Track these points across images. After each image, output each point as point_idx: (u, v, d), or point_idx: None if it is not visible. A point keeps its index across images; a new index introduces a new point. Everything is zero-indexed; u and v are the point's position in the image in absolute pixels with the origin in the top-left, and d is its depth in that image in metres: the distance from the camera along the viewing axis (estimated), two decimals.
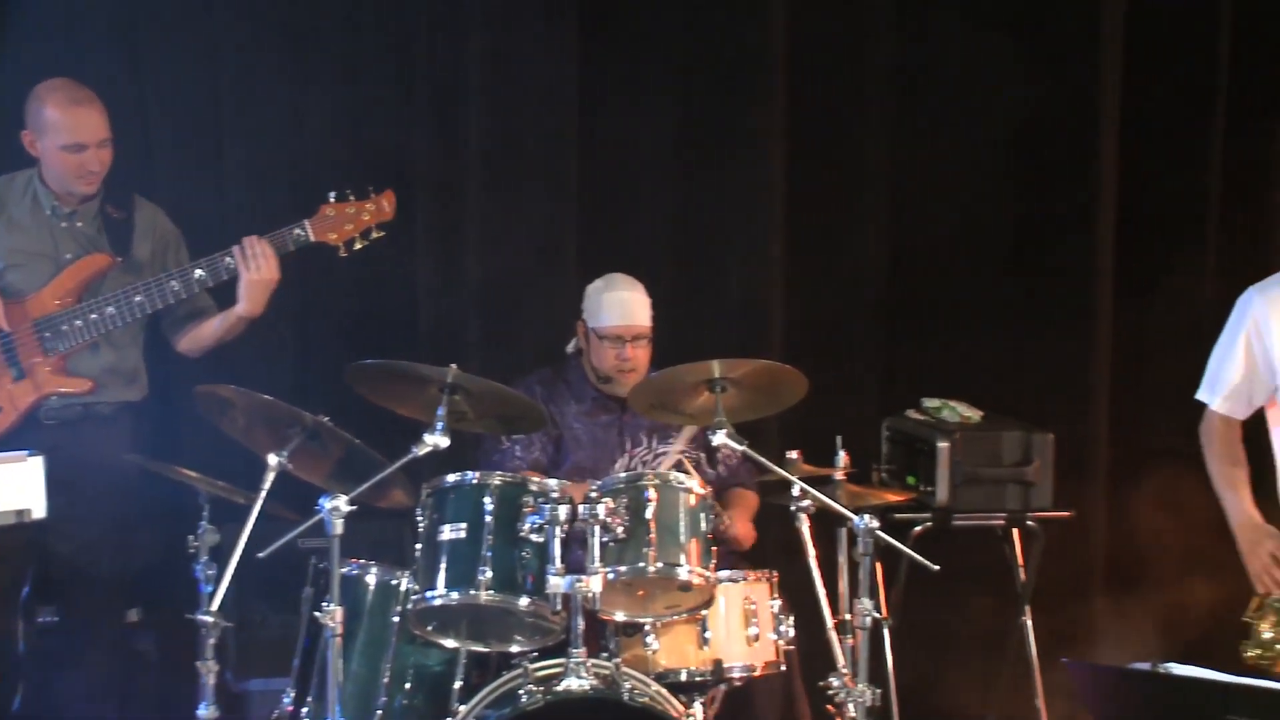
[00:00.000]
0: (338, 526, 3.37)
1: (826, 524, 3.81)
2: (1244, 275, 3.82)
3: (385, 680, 3.55)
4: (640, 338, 4.10)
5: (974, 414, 4.52)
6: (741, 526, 4.04)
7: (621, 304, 4.10)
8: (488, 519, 3.48)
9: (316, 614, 3.43)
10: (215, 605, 3.49)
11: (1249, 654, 3.47)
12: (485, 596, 3.44)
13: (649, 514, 3.53)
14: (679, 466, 3.87)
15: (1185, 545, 4.51)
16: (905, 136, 4.72)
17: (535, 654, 3.55)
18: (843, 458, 3.83)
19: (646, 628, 3.61)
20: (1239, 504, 3.60)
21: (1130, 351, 4.72)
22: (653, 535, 3.51)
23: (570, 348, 4.25)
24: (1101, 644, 4.64)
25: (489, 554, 3.44)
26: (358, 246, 3.93)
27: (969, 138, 4.70)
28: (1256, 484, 3.65)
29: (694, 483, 3.63)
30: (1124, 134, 4.68)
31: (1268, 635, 3.45)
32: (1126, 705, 2.86)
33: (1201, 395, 3.71)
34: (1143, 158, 4.70)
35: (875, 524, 3.56)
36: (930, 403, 4.56)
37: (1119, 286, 4.71)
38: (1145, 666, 2.86)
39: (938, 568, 3.65)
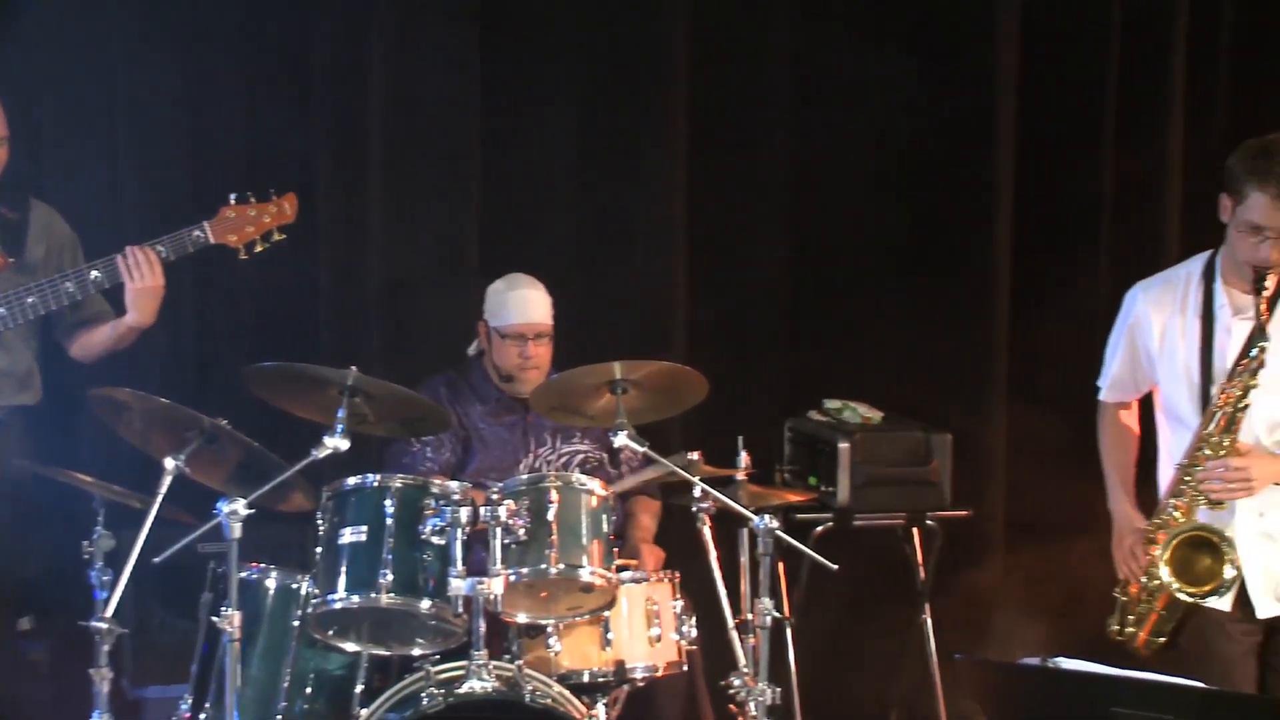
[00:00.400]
0: (235, 530, 3.35)
1: (728, 524, 3.84)
2: (1135, 276, 3.92)
3: (285, 685, 3.52)
4: (542, 336, 4.12)
5: (875, 414, 4.58)
6: (647, 553, 4.06)
7: (523, 302, 4.11)
8: (389, 522, 3.47)
9: (215, 619, 3.40)
10: (110, 611, 3.44)
11: (1111, 628, 3.64)
12: (386, 599, 3.43)
13: (551, 515, 3.54)
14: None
15: (1081, 541, 4.60)
16: (806, 139, 4.76)
17: (437, 657, 3.54)
18: (744, 459, 3.86)
19: (549, 629, 3.62)
20: (1117, 493, 3.74)
21: (1027, 351, 4.79)
22: (554, 537, 3.52)
23: (472, 350, 4.25)
24: (1000, 640, 4.71)
25: (390, 557, 3.43)
26: (258, 249, 3.89)
27: (868, 141, 4.75)
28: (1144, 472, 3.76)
29: (596, 483, 3.65)
30: (1020, 138, 4.75)
31: (1130, 614, 3.60)
32: (1017, 700, 2.91)
33: (1101, 383, 3.83)
34: (1038, 161, 4.77)
35: (775, 524, 3.60)
36: (831, 404, 4.62)
37: (1016, 288, 4.78)
38: (1035, 661, 2.92)
39: (837, 567, 3.70)
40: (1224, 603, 3.49)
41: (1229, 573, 3.44)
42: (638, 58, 4.62)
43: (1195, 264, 3.70)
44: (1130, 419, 3.82)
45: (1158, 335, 3.65)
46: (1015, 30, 4.70)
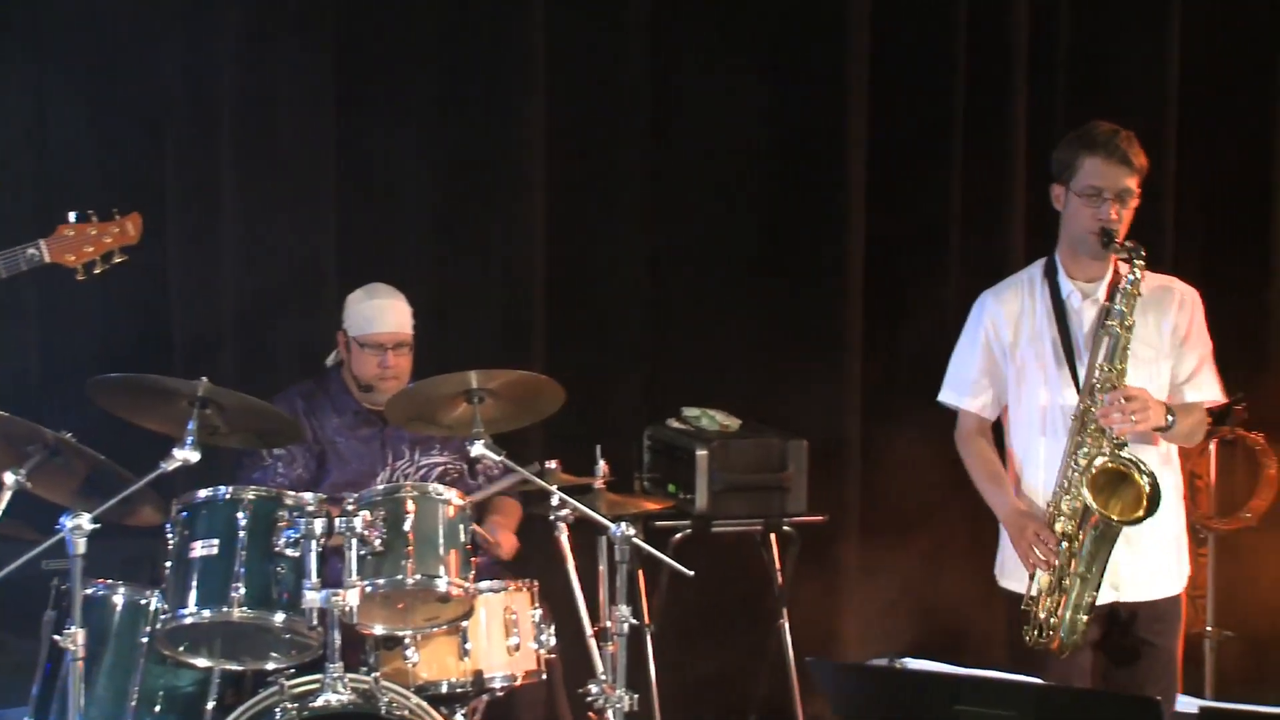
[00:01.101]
0: (79, 545, 3.27)
1: (588, 533, 3.86)
2: (986, 283, 4.02)
3: (132, 703, 3.46)
4: (402, 345, 4.10)
5: (732, 422, 4.64)
6: (504, 536, 4.06)
7: (382, 312, 4.09)
8: (241, 534, 3.42)
9: (57, 638, 3.32)
10: None
11: (1029, 637, 3.61)
12: (239, 613, 3.38)
13: (407, 526, 3.52)
14: None
15: (935, 544, 4.71)
16: (662, 148, 4.79)
17: (292, 670, 3.50)
18: (602, 467, 3.89)
19: (406, 640, 3.60)
20: (1002, 495, 3.72)
21: (882, 357, 4.88)
22: (411, 547, 3.51)
23: (331, 360, 4.22)
24: (856, 642, 4.80)
25: (243, 570, 3.39)
26: (98, 270, 3.78)
27: (724, 150, 4.79)
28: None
29: (452, 493, 3.64)
30: (871, 148, 4.82)
31: (1044, 615, 3.60)
32: (865, 701, 2.96)
33: (947, 399, 3.83)
34: (890, 172, 4.85)
35: (633, 532, 3.62)
36: (690, 411, 4.66)
37: (870, 295, 4.86)
38: (882, 662, 2.98)
39: (692, 573, 3.74)
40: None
41: (1145, 483, 3.47)
42: (494, 67, 4.62)
43: (1034, 268, 3.81)
44: (987, 430, 3.86)
45: (1012, 330, 3.73)
46: (865, 42, 4.78)
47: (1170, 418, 3.55)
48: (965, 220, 4.88)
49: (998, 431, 3.80)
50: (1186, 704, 2.73)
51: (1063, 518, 3.57)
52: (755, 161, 4.85)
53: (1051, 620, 3.58)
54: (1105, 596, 3.62)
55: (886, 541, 4.81)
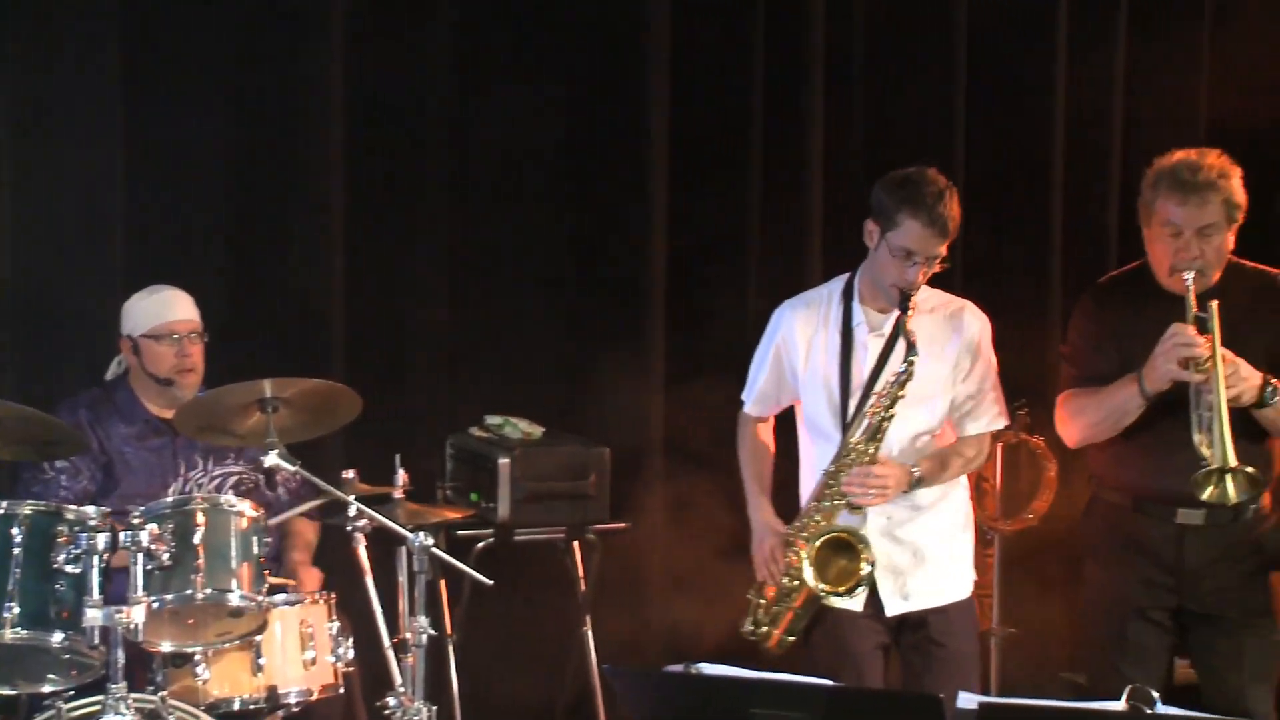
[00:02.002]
0: None
1: (389, 543, 3.81)
2: (783, 290, 4.09)
3: None
4: (194, 334, 4.00)
5: (535, 430, 4.63)
6: (305, 574, 3.99)
7: (169, 303, 4.00)
8: (16, 551, 3.29)
9: None
10: None
11: (744, 628, 3.78)
12: (11, 635, 3.25)
13: (197, 539, 3.43)
14: None
15: (738, 548, 4.76)
16: (465, 152, 4.74)
17: (71, 693, 3.37)
18: (401, 476, 3.84)
19: (196, 657, 3.51)
20: (756, 499, 3.89)
21: (683, 364, 4.91)
22: (201, 560, 3.42)
23: (111, 373, 4.08)
24: (661, 648, 4.83)
25: (16, 588, 3.26)
26: None
27: (526, 155, 4.76)
28: (790, 484, 3.93)
29: (245, 505, 3.56)
30: (673, 155, 4.84)
31: (762, 614, 3.75)
32: (662, 706, 2.99)
33: (745, 397, 3.97)
34: (691, 178, 4.88)
35: (431, 541, 3.59)
36: (493, 419, 4.64)
37: (671, 302, 4.89)
38: (678, 668, 3.00)
39: (492, 582, 3.72)
40: (856, 603, 3.68)
41: (865, 570, 3.62)
42: (293, 62, 4.52)
43: (836, 285, 3.90)
44: (767, 433, 3.99)
45: (803, 351, 3.82)
46: (666, 48, 4.80)
47: (916, 473, 3.68)
48: (764, 229, 4.95)
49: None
50: (966, 700, 2.81)
51: (795, 551, 3.70)
52: (557, 169, 4.84)
53: (763, 629, 3.71)
54: (895, 608, 3.74)
55: (690, 547, 4.85)
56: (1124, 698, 2.80)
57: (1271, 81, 5.38)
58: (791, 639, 3.73)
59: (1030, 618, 4.96)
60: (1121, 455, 3.77)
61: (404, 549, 3.72)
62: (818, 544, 3.65)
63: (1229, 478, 3.44)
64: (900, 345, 3.69)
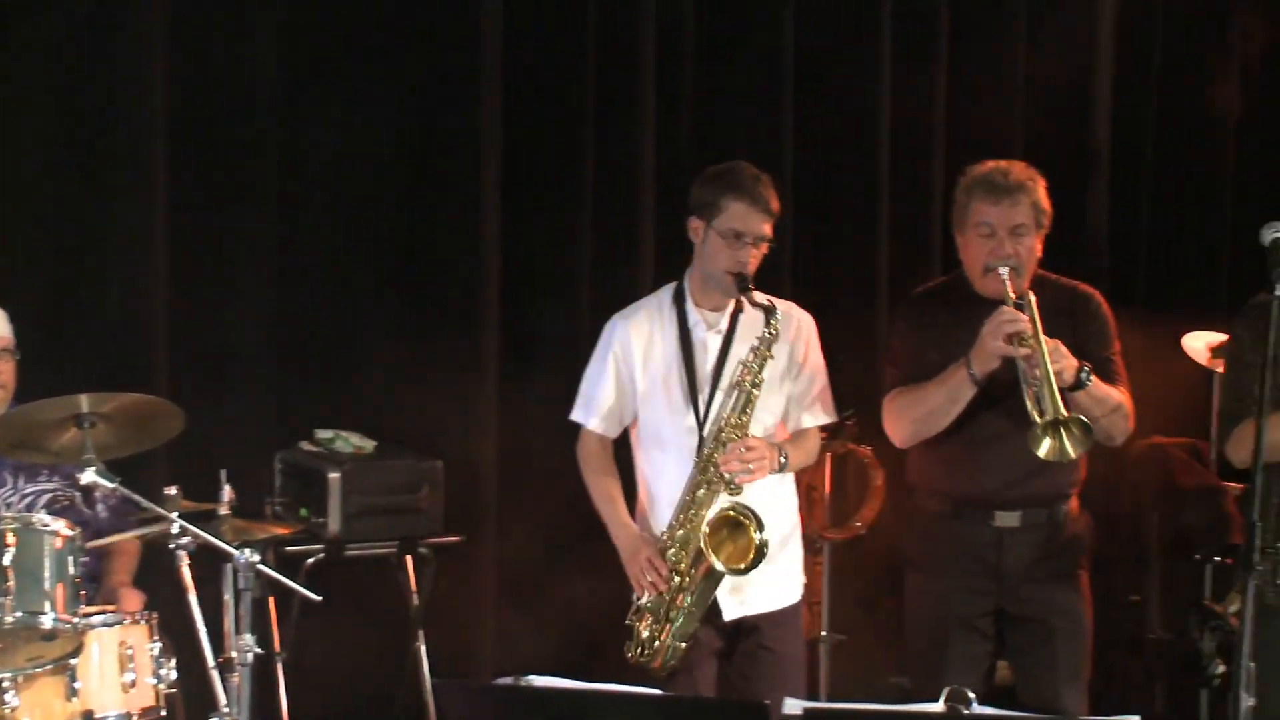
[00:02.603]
0: None
1: (214, 561, 3.72)
2: (615, 298, 4.11)
3: None
4: (6, 351, 3.86)
5: (367, 444, 4.58)
6: (126, 597, 3.87)
7: None
8: None
9: None
10: None
11: (631, 654, 3.73)
12: None
13: (7, 560, 3.31)
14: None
15: (572, 561, 4.77)
16: (293, 155, 4.64)
17: None
18: (227, 492, 3.76)
19: (4, 683, 3.37)
20: (617, 516, 3.84)
21: (517, 379, 4.89)
22: (11, 583, 3.30)
23: None
24: (496, 661, 4.81)
25: None
26: None
27: (354, 160, 4.69)
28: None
29: (60, 524, 3.44)
30: (506, 155, 4.81)
31: (645, 634, 3.71)
32: (495, 719, 2.99)
33: (577, 416, 3.93)
34: (524, 183, 4.86)
35: (257, 558, 3.52)
36: (323, 434, 4.57)
37: (506, 312, 4.86)
38: (509, 680, 2.99)
39: (321, 598, 3.66)
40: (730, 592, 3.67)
41: (758, 537, 3.61)
42: (113, 66, 4.39)
43: (665, 293, 3.93)
44: (609, 452, 3.97)
45: (640, 359, 3.84)
46: (498, 55, 4.77)
47: (783, 459, 3.74)
48: (596, 239, 4.96)
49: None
50: (792, 706, 2.86)
51: (675, 547, 3.70)
52: (388, 179, 4.78)
53: (655, 643, 3.71)
54: (732, 611, 3.77)
55: (524, 560, 4.84)
56: (942, 699, 2.87)
57: (1079, 103, 5.62)
58: (683, 645, 3.68)
59: (858, 624, 5.06)
60: (938, 462, 3.88)
61: (229, 566, 3.64)
62: (709, 526, 3.61)
63: (1063, 430, 3.54)
64: (755, 320, 3.72)
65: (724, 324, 3.78)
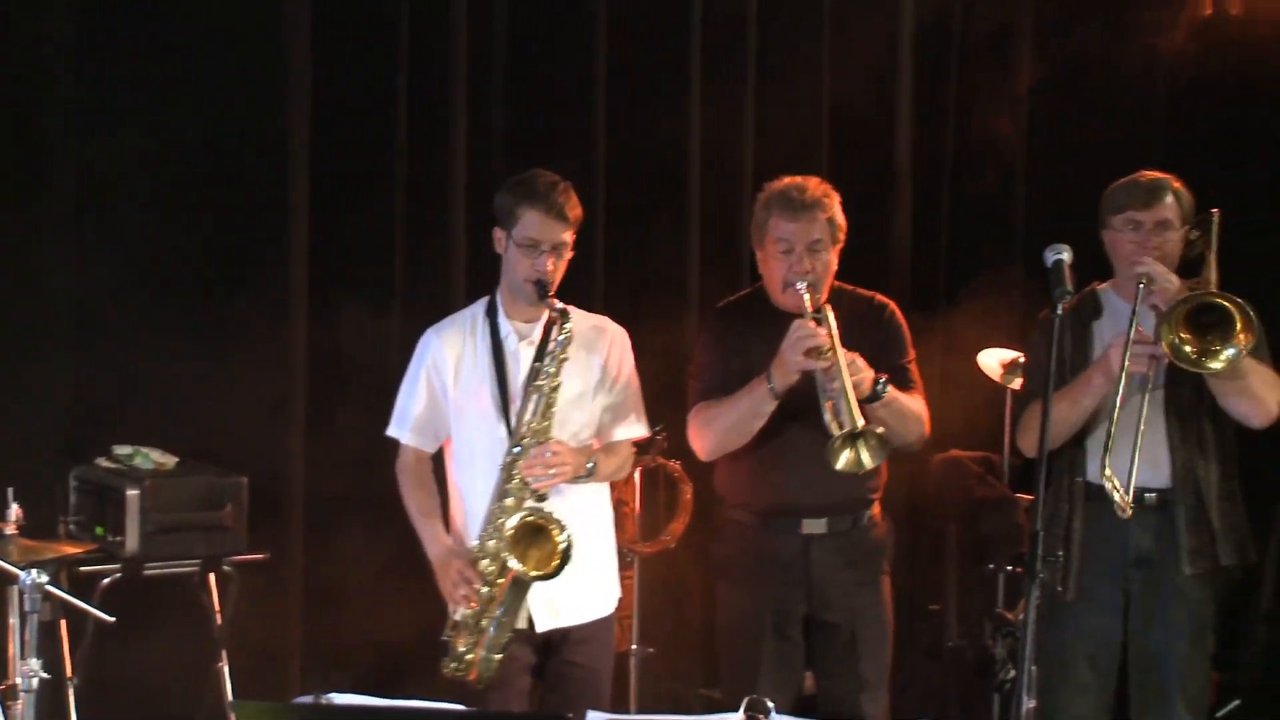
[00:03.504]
0: None
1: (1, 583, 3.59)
2: (427, 317, 4.08)
3: None
4: None
5: (168, 460, 4.46)
6: None
7: None
8: None
9: None
10: None
11: (446, 668, 3.70)
12: None
13: None
14: None
15: (384, 576, 4.72)
16: (86, 165, 4.50)
17: None
18: (15, 511, 3.65)
19: None
20: (431, 531, 3.81)
21: (324, 392, 4.83)
22: None
23: None
24: (306, 680, 4.72)
25: None
26: None
27: (157, 165, 4.57)
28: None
29: None
30: (315, 173, 4.74)
31: (461, 648, 3.69)
32: None
33: (392, 432, 3.91)
34: (332, 197, 4.78)
35: (45, 579, 3.40)
36: (122, 450, 4.45)
37: (313, 326, 4.79)
38: (308, 699, 2.95)
39: (114, 619, 3.56)
40: (518, 620, 3.67)
41: (562, 542, 3.60)
42: None
43: (478, 306, 3.93)
44: (427, 466, 3.94)
45: (453, 372, 3.83)
46: (306, 61, 4.70)
47: (590, 465, 3.76)
48: (409, 252, 4.93)
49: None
50: (596, 719, 2.89)
51: (487, 558, 3.69)
52: (192, 186, 4.66)
53: (468, 656, 3.70)
54: (543, 623, 3.78)
55: (333, 576, 4.78)
56: (741, 709, 2.92)
57: (882, 125, 5.80)
58: (498, 657, 3.66)
59: (668, 637, 5.11)
60: (744, 474, 3.95)
61: (15, 588, 3.51)
62: (513, 530, 3.59)
63: (860, 442, 3.64)
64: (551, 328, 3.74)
65: (537, 334, 3.78)
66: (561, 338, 3.69)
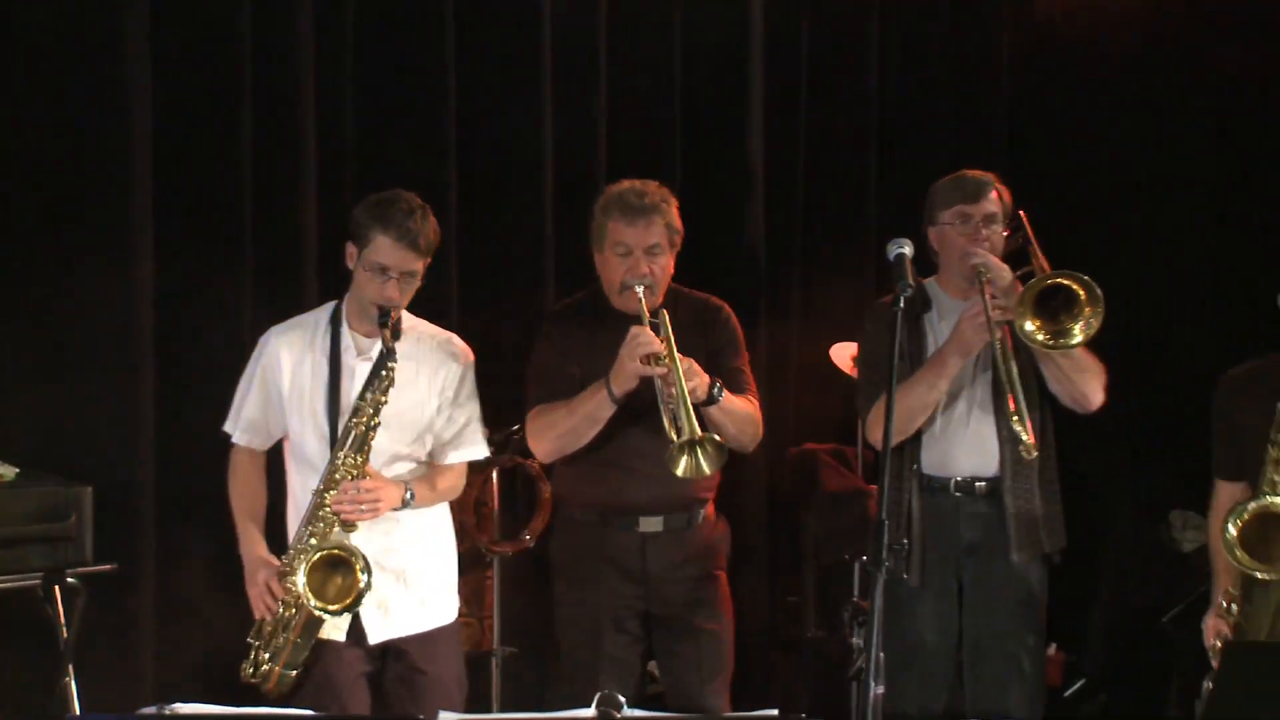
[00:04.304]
0: None
1: None
2: (277, 319, 4.03)
3: None
4: None
5: (9, 471, 4.34)
6: None
7: None
8: None
9: None
10: None
11: (244, 673, 3.75)
12: None
13: None
14: None
15: (236, 583, 4.63)
16: None
17: None
18: None
19: None
20: (247, 534, 3.84)
21: (172, 394, 4.70)
22: None
23: None
24: (158, 691, 4.62)
25: None
26: None
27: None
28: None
29: None
30: (157, 171, 4.61)
31: (262, 656, 3.70)
32: None
33: (228, 427, 3.91)
34: (176, 199, 4.66)
35: None
36: None
37: (161, 330, 4.66)
38: (151, 710, 2.91)
39: None
40: (339, 632, 3.68)
41: (363, 581, 3.61)
42: None
43: (324, 311, 3.91)
44: (258, 465, 3.94)
45: (288, 377, 3.80)
46: (146, 59, 4.58)
47: (408, 495, 3.73)
48: (258, 257, 4.83)
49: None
50: (447, 719, 2.88)
51: (291, 579, 3.68)
52: (32, 186, 4.52)
53: (264, 667, 3.70)
54: (379, 634, 3.77)
55: (186, 584, 4.68)
56: (593, 704, 2.95)
57: (735, 123, 5.84)
58: (294, 673, 3.66)
59: (530, 636, 5.11)
60: (584, 476, 3.99)
61: None
62: (312, 561, 3.61)
63: (699, 449, 3.70)
64: (408, 350, 3.75)
65: (375, 352, 3.75)
66: (385, 377, 3.65)
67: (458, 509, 4.73)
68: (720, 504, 4.29)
